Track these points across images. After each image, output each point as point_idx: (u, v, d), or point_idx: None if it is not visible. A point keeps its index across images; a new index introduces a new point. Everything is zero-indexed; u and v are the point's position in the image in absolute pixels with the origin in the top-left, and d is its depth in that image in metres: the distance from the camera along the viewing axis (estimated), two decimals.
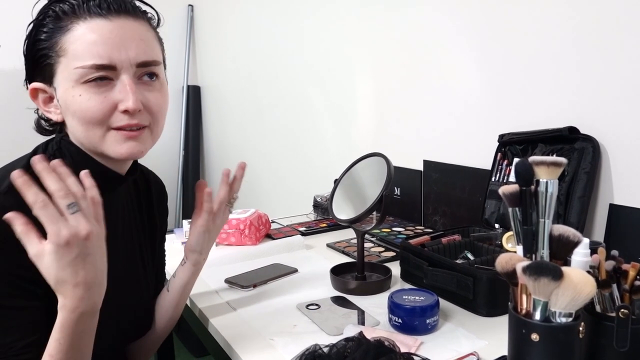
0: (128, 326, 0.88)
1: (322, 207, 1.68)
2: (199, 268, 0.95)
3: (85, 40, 0.71)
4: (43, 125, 0.83)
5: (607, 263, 0.67)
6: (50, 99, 0.76)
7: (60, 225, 0.61)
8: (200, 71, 3.10)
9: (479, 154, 1.33)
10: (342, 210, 1.11)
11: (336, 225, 1.56)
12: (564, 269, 0.58)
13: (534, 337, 0.60)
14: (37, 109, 0.80)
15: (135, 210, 0.91)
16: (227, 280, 1.13)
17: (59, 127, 0.80)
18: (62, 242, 0.61)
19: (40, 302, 0.69)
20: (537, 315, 0.61)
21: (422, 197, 1.53)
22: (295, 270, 1.20)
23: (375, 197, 1.03)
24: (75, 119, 0.73)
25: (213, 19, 2.89)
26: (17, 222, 0.61)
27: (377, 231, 1.45)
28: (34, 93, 0.76)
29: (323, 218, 1.67)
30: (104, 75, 0.71)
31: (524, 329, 0.61)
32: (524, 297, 0.63)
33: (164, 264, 1.03)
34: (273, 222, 1.61)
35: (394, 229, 1.50)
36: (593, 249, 0.71)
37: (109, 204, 0.80)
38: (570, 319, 0.60)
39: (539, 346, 0.60)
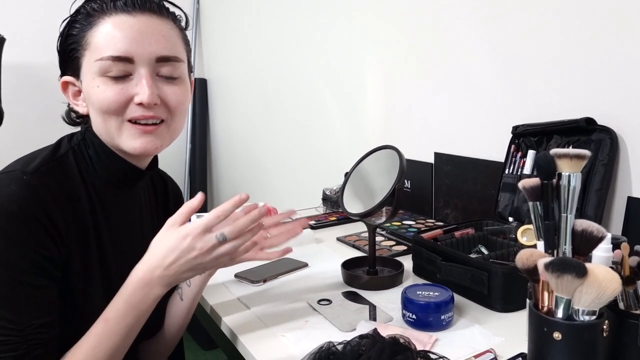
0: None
1: (332, 201, 1.66)
2: (212, 274, 0.93)
3: (106, 34, 0.74)
4: (72, 117, 0.85)
5: (632, 259, 0.65)
6: (79, 92, 0.79)
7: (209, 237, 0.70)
8: (207, 64, 3.08)
9: (491, 146, 1.31)
10: (353, 204, 1.09)
11: (346, 218, 1.54)
12: (588, 265, 0.56)
13: (556, 335, 0.58)
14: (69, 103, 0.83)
15: (152, 207, 0.92)
16: (237, 275, 1.11)
17: (85, 120, 0.82)
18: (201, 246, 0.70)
19: (56, 284, 0.71)
20: (560, 314, 0.59)
21: (433, 190, 1.51)
22: (306, 265, 1.18)
23: (387, 191, 1.01)
24: (94, 110, 0.76)
25: (219, 10, 2.86)
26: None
27: (388, 225, 1.43)
28: (65, 86, 0.79)
29: (332, 211, 1.65)
30: (122, 69, 0.74)
31: (546, 327, 0.59)
32: (546, 295, 0.61)
33: None
34: None
35: (404, 222, 1.48)
36: (615, 244, 0.69)
37: (129, 197, 0.84)
38: (593, 317, 0.58)
39: (562, 345, 0.58)
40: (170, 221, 0.73)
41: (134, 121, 0.76)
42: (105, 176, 0.80)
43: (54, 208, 0.70)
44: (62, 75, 0.80)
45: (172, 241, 0.71)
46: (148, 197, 0.91)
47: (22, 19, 2.46)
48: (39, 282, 0.69)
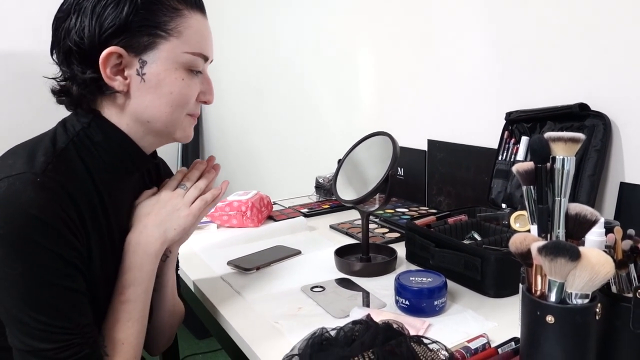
0: None
1: (325, 188, 1.65)
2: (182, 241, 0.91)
3: (198, 31, 0.76)
4: (75, 89, 0.74)
5: (624, 242, 0.65)
6: (119, 65, 0.72)
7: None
8: None
9: (485, 133, 1.31)
10: (346, 191, 1.09)
11: (339, 206, 1.53)
12: (581, 249, 0.56)
13: (549, 319, 0.58)
14: (77, 73, 0.73)
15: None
16: (229, 263, 1.11)
17: (85, 101, 0.75)
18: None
19: (85, 279, 0.71)
20: (553, 297, 0.59)
21: (427, 177, 1.50)
22: (299, 252, 1.18)
23: (380, 177, 1.01)
24: (165, 99, 0.75)
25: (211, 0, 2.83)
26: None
27: (381, 212, 1.43)
28: (109, 57, 0.71)
29: (325, 199, 1.65)
30: (202, 67, 0.78)
31: (539, 311, 0.59)
32: (539, 279, 0.61)
33: None
34: (275, 203, 1.59)
35: (397, 209, 1.48)
36: (608, 228, 0.69)
37: (130, 184, 0.83)
38: (586, 301, 0.58)
39: (555, 328, 0.58)
40: (146, 193, 0.84)
41: (189, 113, 0.80)
42: (112, 163, 0.77)
43: (71, 206, 0.68)
44: (105, 44, 0.70)
45: (154, 206, 0.82)
46: (144, 182, 0.89)
47: (7, 7, 2.43)
48: (77, 283, 0.69)
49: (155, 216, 0.80)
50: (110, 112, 0.76)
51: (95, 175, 0.74)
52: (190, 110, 0.79)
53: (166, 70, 0.73)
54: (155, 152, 0.86)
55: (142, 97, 0.74)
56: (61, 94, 0.76)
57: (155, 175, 0.94)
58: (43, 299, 0.65)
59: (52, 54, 0.76)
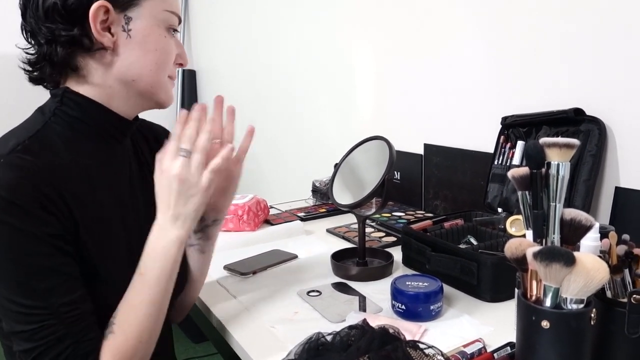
0: None
1: (321, 192, 1.65)
2: (219, 221, 0.91)
3: None
4: (59, 52, 0.72)
5: (619, 247, 0.65)
6: (105, 22, 0.71)
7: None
8: (195, 54, 3.05)
9: (481, 137, 1.31)
10: (343, 195, 1.09)
11: (335, 210, 1.53)
12: (576, 254, 0.57)
13: (545, 324, 0.58)
14: (58, 32, 0.71)
15: (143, 158, 0.89)
16: (226, 267, 1.11)
17: (59, 70, 0.74)
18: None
19: (72, 259, 0.69)
20: (548, 302, 0.59)
21: (423, 181, 1.51)
22: (295, 257, 1.18)
23: (376, 182, 1.01)
24: (151, 56, 0.75)
25: (208, 1, 2.83)
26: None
27: (377, 216, 1.43)
28: (97, 12, 0.70)
29: (322, 203, 1.65)
30: (176, 26, 0.79)
31: (534, 316, 0.59)
32: (534, 284, 0.61)
33: None
34: (271, 207, 1.59)
35: (394, 213, 1.48)
36: (602, 233, 0.69)
37: (117, 154, 0.81)
38: (581, 306, 0.58)
39: (550, 333, 0.58)
40: (157, 159, 0.76)
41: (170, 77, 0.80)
42: (96, 134, 0.76)
43: (47, 184, 0.66)
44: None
45: (161, 183, 0.75)
46: (137, 150, 0.88)
47: None
48: (54, 262, 0.67)
49: (166, 208, 0.73)
50: (79, 84, 0.74)
51: (80, 150, 0.73)
52: (170, 72, 0.80)
53: (151, 26, 0.74)
54: (137, 117, 0.83)
55: (129, 53, 0.74)
56: (36, 65, 0.74)
57: (153, 138, 0.92)
58: (16, 280, 0.65)
59: (24, 19, 0.73)
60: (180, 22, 0.80)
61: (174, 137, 0.76)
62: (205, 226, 0.90)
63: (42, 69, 0.75)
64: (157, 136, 0.94)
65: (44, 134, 0.71)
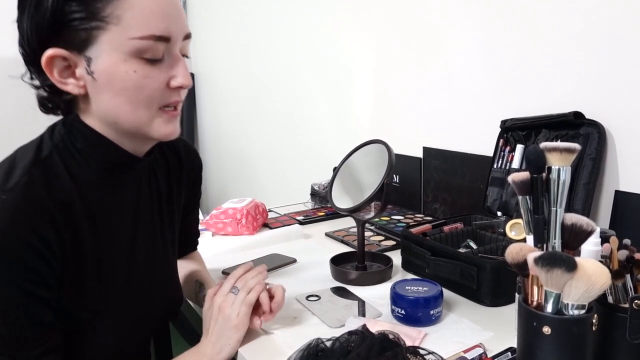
0: (160, 306, 0.87)
1: (320, 196, 1.65)
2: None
3: (145, 8, 0.64)
4: (52, 101, 0.71)
5: (620, 252, 0.65)
6: (69, 68, 0.66)
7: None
8: (193, 58, 3.05)
9: (480, 140, 1.31)
10: (342, 199, 1.08)
11: (334, 213, 1.53)
12: (578, 259, 0.56)
13: (546, 330, 0.58)
14: (40, 82, 0.69)
15: (161, 187, 0.86)
16: (224, 272, 1.10)
17: (65, 105, 0.71)
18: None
19: (50, 307, 0.67)
20: (549, 308, 0.58)
21: (422, 184, 1.50)
22: (294, 261, 1.17)
23: (375, 185, 1.00)
24: (122, 97, 0.66)
25: (207, 3, 2.83)
26: None
27: (377, 219, 1.43)
28: (51, 61, 0.65)
29: (321, 206, 1.64)
30: (161, 50, 0.66)
31: (535, 322, 0.59)
32: (535, 289, 0.61)
33: (197, 232, 1.08)
34: (270, 211, 1.58)
35: (393, 217, 1.48)
36: (603, 238, 0.69)
37: (124, 186, 0.77)
38: (583, 311, 0.58)
39: (551, 339, 0.58)
40: (209, 294, 0.84)
41: (164, 106, 0.70)
42: (99, 168, 0.72)
43: (44, 222, 0.64)
44: (44, 46, 0.64)
45: (209, 314, 0.82)
46: (155, 180, 0.84)
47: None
48: (32, 312, 0.64)
49: (212, 334, 0.80)
50: (86, 113, 0.71)
51: (82, 181, 0.70)
52: (161, 103, 0.69)
53: (114, 64, 0.64)
54: (151, 151, 0.79)
55: (99, 97, 0.67)
56: (42, 103, 0.72)
57: (175, 164, 0.89)
58: None
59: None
60: (169, 41, 0.67)
61: (232, 277, 0.84)
62: None
63: (42, 104, 0.72)
64: (175, 147, 0.90)
65: (50, 162, 0.68)
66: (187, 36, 0.70)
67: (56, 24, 0.63)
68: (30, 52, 0.66)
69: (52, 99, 0.70)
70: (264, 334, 0.85)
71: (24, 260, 0.62)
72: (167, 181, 0.87)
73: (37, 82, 0.70)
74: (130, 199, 0.79)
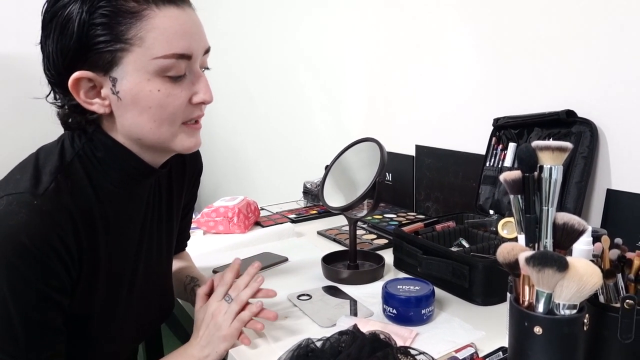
0: (156, 311, 0.89)
1: (312, 194, 1.64)
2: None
3: (168, 29, 0.66)
4: (76, 120, 0.72)
5: (612, 252, 0.64)
6: (95, 88, 0.68)
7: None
8: None
9: (472, 139, 1.30)
10: (334, 198, 1.07)
11: (326, 212, 1.52)
12: (569, 259, 0.56)
13: (537, 330, 0.57)
14: (64, 102, 0.71)
15: (162, 193, 0.87)
16: (215, 271, 1.09)
17: (91, 122, 0.72)
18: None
19: (63, 312, 0.68)
20: (541, 308, 0.58)
21: (414, 182, 1.50)
22: (286, 259, 1.17)
23: (367, 184, 1.00)
24: (146, 115, 0.68)
25: (200, 4, 2.81)
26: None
27: (369, 218, 1.42)
28: (77, 83, 0.67)
29: (313, 205, 1.64)
30: (183, 67, 0.68)
31: (527, 322, 0.58)
32: (527, 289, 0.60)
33: (188, 235, 1.09)
34: (262, 209, 1.57)
35: (385, 215, 1.48)
36: (595, 237, 0.69)
37: (134, 196, 0.78)
38: (574, 311, 0.57)
39: (542, 339, 0.58)
40: (200, 293, 0.85)
41: (187, 121, 0.72)
42: (118, 178, 0.73)
43: (69, 230, 0.66)
44: (71, 70, 0.66)
45: (201, 316, 0.83)
46: (156, 188, 0.85)
47: None
48: (45, 316, 0.66)
49: (202, 337, 0.80)
50: (110, 126, 0.72)
51: (100, 190, 0.72)
52: (185, 118, 0.71)
53: (138, 83, 0.66)
54: (167, 161, 0.80)
55: (124, 115, 0.69)
56: (64, 121, 0.73)
57: (179, 170, 0.91)
58: (2, 326, 0.63)
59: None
60: (191, 58, 0.69)
61: (224, 282, 0.84)
62: None
63: (65, 122, 0.73)
64: (184, 167, 0.92)
65: (74, 168, 0.70)
66: (207, 50, 0.73)
67: (82, 47, 0.65)
68: (56, 74, 0.68)
69: (76, 117, 0.71)
70: (254, 334, 0.84)
71: (47, 264, 0.64)
72: (168, 186, 0.88)
73: (59, 102, 0.71)
74: (140, 208, 0.80)
